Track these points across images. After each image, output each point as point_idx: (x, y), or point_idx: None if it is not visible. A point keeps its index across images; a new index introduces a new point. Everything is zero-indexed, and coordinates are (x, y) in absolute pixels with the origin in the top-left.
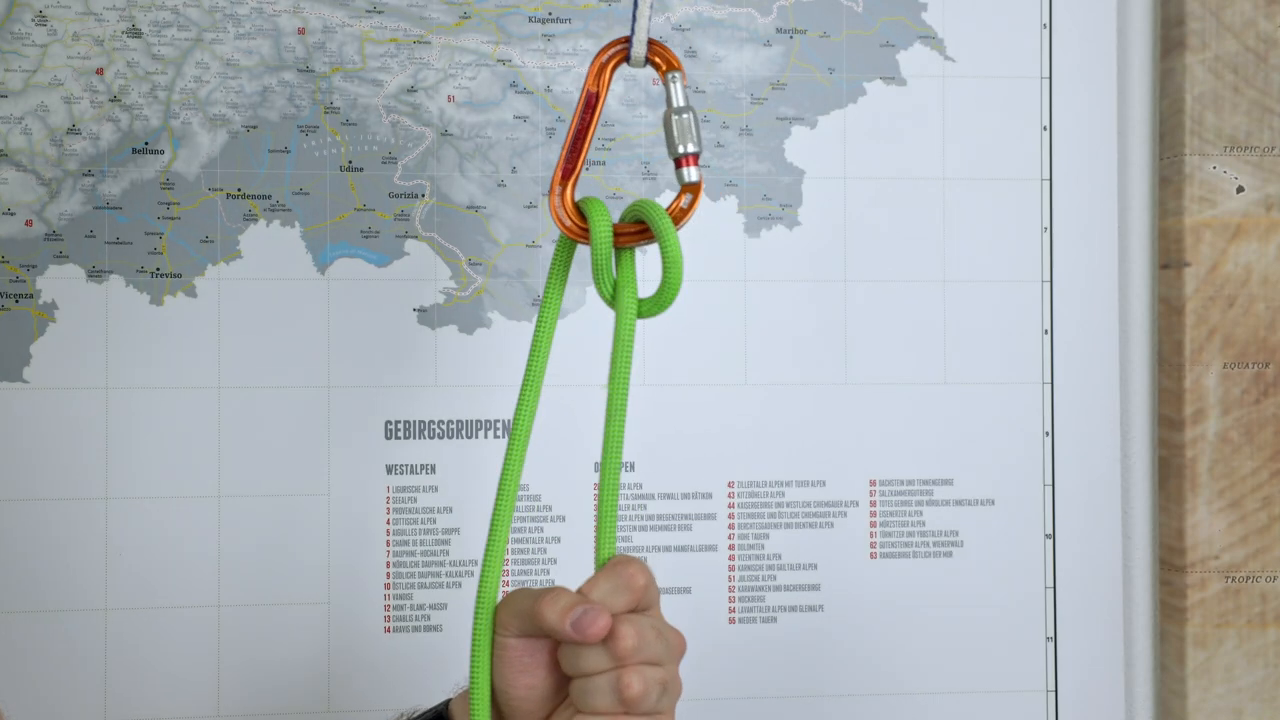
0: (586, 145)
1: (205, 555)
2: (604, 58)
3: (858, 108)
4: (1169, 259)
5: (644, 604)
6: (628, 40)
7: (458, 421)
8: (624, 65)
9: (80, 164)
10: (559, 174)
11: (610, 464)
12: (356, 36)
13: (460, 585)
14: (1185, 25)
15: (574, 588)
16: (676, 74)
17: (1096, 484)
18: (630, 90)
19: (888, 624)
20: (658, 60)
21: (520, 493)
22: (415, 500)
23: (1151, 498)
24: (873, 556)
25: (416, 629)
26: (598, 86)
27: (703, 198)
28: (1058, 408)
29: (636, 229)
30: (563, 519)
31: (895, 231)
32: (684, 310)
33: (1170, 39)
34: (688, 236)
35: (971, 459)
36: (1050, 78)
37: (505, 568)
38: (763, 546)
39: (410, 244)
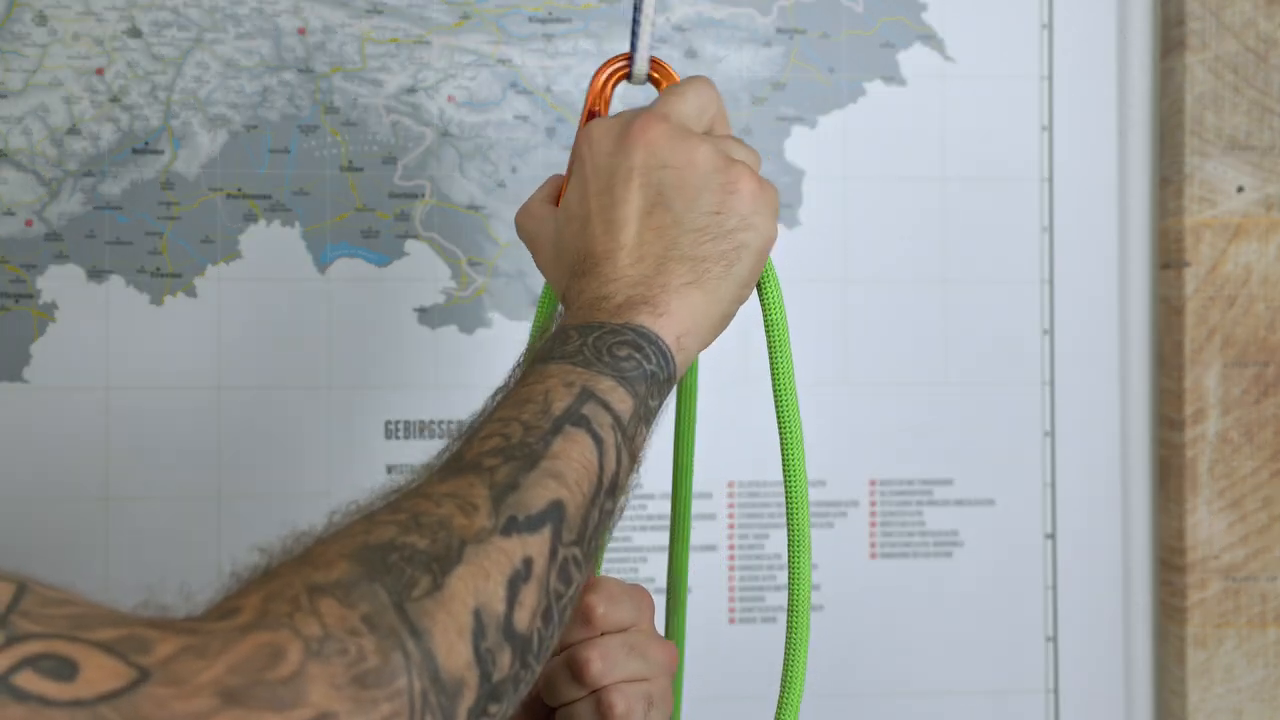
0: None
1: (205, 555)
2: (604, 75)
3: (858, 108)
4: (1169, 259)
5: (611, 626)
6: (628, 58)
7: (458, 421)
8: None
9: (80, 164)
10: (564, 190)
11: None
12: (356, 36)
13: None
14: (1185, 25)
15: None
16: None
17: (1096, 484)
18: (629, 90)
19: (888, 624)
20: (658, 76)
21: None
22: None
23: (1151, 498)
24: (873, 556)
25: None
26: (599, 105)
27: None
28: (1058, 408)
29: None
30: None
31: (895, 231)
32: None
33: (1170, 39)
34: None
35: (971, 459)
36: (1050, 78)
37: None
38: (763, 546)
39: (410, 244)
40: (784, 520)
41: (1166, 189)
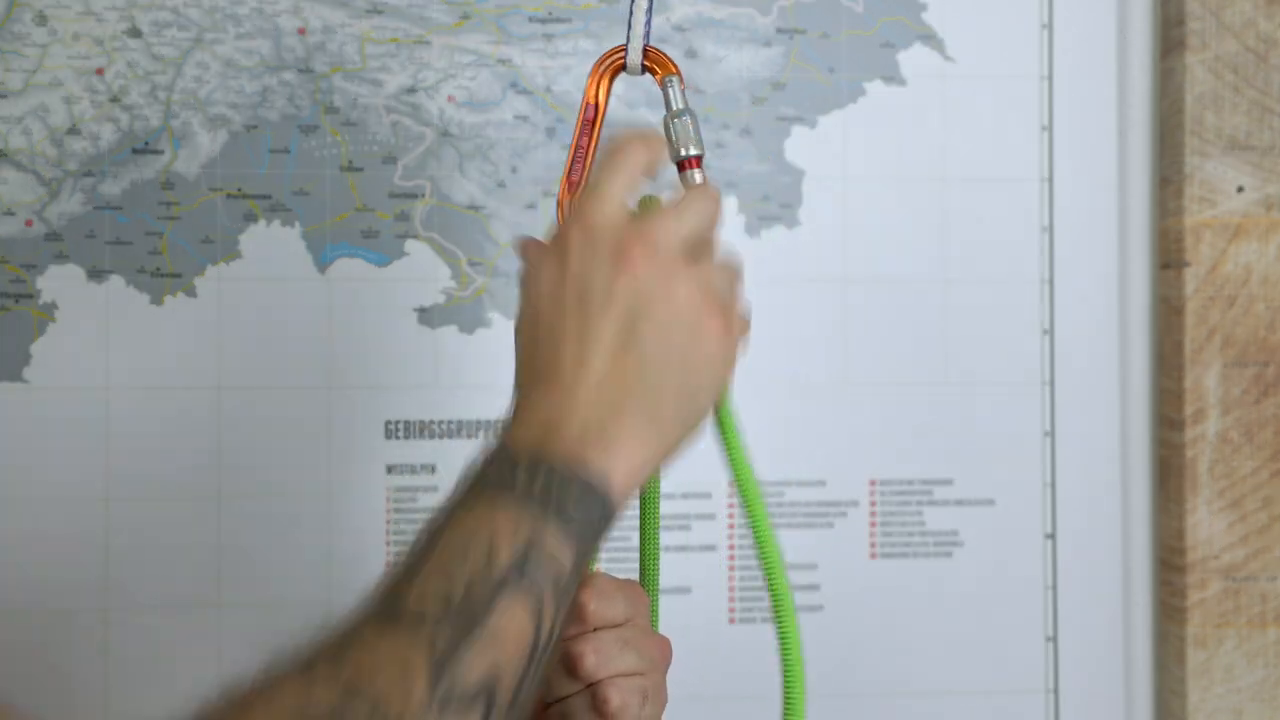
0: (590, 158)
1: (205, 555)
2: (600, 68)
3: (858, 108)
4: (1169, 259)
5: (603, 621)
6: (623, 49)
7: (458, 421)
8: (622, 73)
9: (80, 164)
10: (564, 187)
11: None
12: (356, 36)
13: None
14: (1185, 25)
15: None
16: (674, 78)
17: (1096, 484)
18: (630, 90)
19: (888, 624)
20: (653, 66)
21: None
22: (415, 500)
23: (1151, 498)
24: (873, 556)
25: None
26: (596, 98)
27: None
28: (1058, 408)
29: None
30: None
31: (895, 231)
32: None
33: (1170, 39)
34: None
35: (971, 459)
36: (1050, 78)
37: None
38: None
39: (410, 244)
40: (783, 520)
41: (1166, 189)
